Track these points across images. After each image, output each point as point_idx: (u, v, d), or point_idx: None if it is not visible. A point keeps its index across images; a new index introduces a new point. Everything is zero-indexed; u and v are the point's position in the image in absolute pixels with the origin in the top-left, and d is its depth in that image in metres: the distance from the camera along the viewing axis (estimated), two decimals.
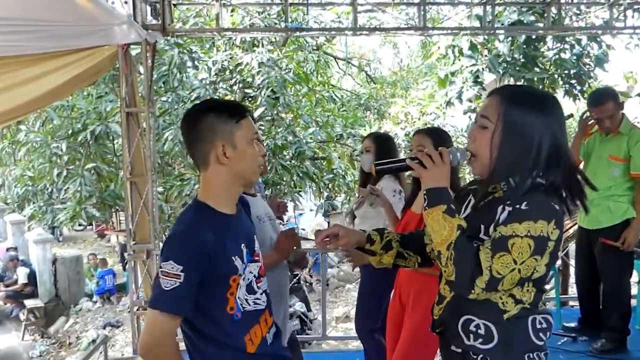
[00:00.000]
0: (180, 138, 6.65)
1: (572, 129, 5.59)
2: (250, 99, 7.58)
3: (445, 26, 5.46)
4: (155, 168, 4.40)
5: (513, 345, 1.40)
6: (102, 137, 7.06)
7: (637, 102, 7.44)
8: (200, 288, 1.46)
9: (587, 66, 6.88)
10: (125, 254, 5.23)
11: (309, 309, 9.12)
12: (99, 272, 11.45)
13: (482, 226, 1.41)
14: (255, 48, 7.38)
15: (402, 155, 2.78)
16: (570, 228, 5.76)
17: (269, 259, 2.05)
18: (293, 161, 7.53)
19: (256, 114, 7.04)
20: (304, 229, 15.43)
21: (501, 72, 6.61)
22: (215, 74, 7.44)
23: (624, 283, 3.53)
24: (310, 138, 7.69)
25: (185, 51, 7.35)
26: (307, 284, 11.09)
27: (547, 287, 4.95)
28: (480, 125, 1.45)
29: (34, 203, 8.05)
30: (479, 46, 6.76)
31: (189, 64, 7.89)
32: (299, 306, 8.61)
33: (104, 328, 9.72)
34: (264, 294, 1.63)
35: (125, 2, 3.96)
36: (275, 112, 7.50)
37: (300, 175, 7.55)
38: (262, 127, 7.51)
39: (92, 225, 16.40)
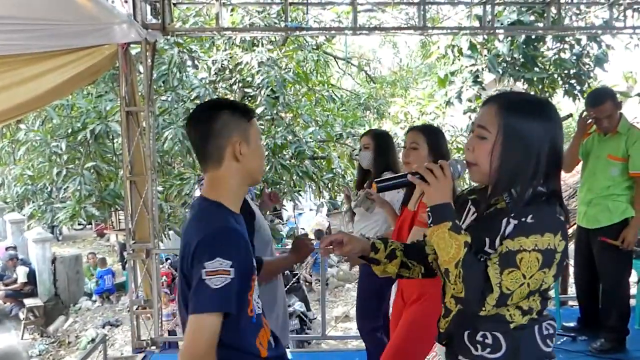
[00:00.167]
0: (180, 137, 6.66)
1: (572, 128, 5.60)
2: (249, 99, 7.58)
3: (445, 26, 5.47)
4: (155, 167, 4.40)
5: (522, 354, 1.39)
6: (102, 136, 7.05)
7: (636, 102, 7.45)
8: None
9: (587, 66, 6.88)
10: (125, 253, 5.24)
11: (308, 309, 9.12)
12: (98, 272, 11.45)
13: (487, 239, 1.39)
14: (255, 47, 7.37)
15: (400, 154, 2.78)
16: (569, 228, 5.77)
17: (286, 261, 2.08)
18: (293, 160, 7.52)
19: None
20: (303, 229, 15.43)
21: (501, 72, 6.62)
22: (215, 74, 7.44)
23: (623, 282, 3.54)
24: (310, 137, 7.68)
25: (185, 50, 7.35)
26: (307, 283, 11.10)
27: None
28: (478, 136, 1.43)
29: (33, 202, 8.04)
30: (478, 46, 6.76)
31: (189, 63, 7.90)
32: (298, 306, 8.62)
33: (103, 327, 9.72)
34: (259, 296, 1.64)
35: (125, 2, 3.97)
36: (274, 111, 7.50)
37: (300, 174, 7.55)
38: (262, 127, 7.50)
39: (91, 224, 16.39)
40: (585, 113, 3.54)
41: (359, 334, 3.40)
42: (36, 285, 10.83)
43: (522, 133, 1.37)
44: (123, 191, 4.99)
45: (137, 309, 4.39)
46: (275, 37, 7.76)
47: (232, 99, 6.30)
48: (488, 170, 1.41)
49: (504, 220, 1.36)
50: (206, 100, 6.52)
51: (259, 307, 1.56)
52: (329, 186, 8.11)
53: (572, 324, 3.84)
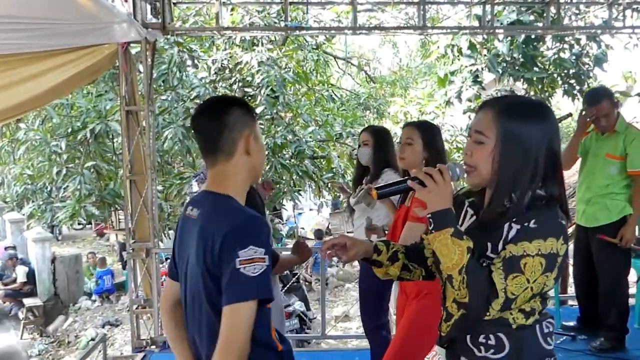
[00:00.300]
0: (180, 137, 6.66)
1: (572, 128, 5.60)
2: (249, 98, 7.57)
3: (445, 25, 5.47)
4: (154, 166, 4.40)
5: (525, 353, 1.40)
6: (102, 136, 7.05)
7: (636, 102, 7.45)
8: None
9: (586, 66, 6.90)
10: (124, 253, 5.23)
11: (308, 308, 9.13)
12: (97, 272, 11.43)
13: (490, 244, 1.39)
14: (254, 47, 7.38)
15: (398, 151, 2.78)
16: (569, 228, 5.78)
17: (291, 261, 2.10)
18: (292, 160, 7.52)
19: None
20: (303, 228, 15.44)
21: (500, 71, 6.63)
22: (215, 73, 7.43)
23: (621, 281, 3.54)
24: (310, 137, 7.68)
25: (184, 50, 7.35)
26: (307, 283, 11.10)
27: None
28: (475, 141, 1.43)
29: (33, 201, 8.05)
30: (478, 46, 6.77)
31: (189, 62, 7.89)
32: (298, 305, 8.63)
33: (103, 327, 9.71)
34: None
35: (125, 1, 3.97)
36: (274, 111, 7.50)
37: (300, 174, 7.55)
38: (262, 126, 7.50)
39: (91, 224, 16.40)
40: (584, 112, 3.56)
41: (358, 334, 3.41)
42: (36, 285, 10.82)
43: (520, 137, 1.37)
44: (123, 190, 4.99)
45: (136, 309, 4.39)
46: (275, 37, 7.76)
47: None
48: (487, 175, 1.41)
49: (506, 225, 1.37)
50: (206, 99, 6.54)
51: None
52: (329, 186, 8.10)
53: (571, 323, 3.84)
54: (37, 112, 7.01)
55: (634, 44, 7.05)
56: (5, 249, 11.71)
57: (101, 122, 6.74)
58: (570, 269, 4.37)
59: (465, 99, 7.00)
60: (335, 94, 9.59)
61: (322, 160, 8.48)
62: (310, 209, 17.37)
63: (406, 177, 1.48)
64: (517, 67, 6.62)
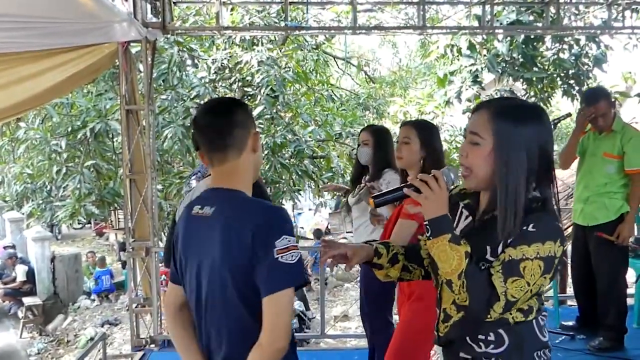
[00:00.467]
0: (179, 136, 6.66)
1: (571, 128, 5.61)
2: (249, 98, 7.58)
3: (444, 25, 5.47)
4: (154, 166, 4.40)
5: (524, 346, 1.43)
6: (102, 135, 7.06)
7: (636, 102, 7.46)
8: None
9: (586, 66, 6.90)
10: (122, 253, 5.24)
11: (307, 308, 9.13)
12: (96, 272, 11.43)
13: (489, 248, 1.41)
14: (254, 47, 7.38)
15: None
16: (567, 228, 5.78)
17: None
18: (292, 160, 7.53)
19: (255, 113, 7.04)
20: (302, 228, 15.45)
21: (500, 71, 6.64)
22: (215, 73, 7.43)
23: (619, 280, 3.55)
24: (310, 137, 7.68)
25: (184, 49, 7.35)
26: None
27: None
28: (471, 142, 1.44)
29: (32, 201, 8.06)
30: (477, 46, 6.77)
31: (189, 62, 7.89)
32: (297, 305, 8.63)
33: (102, 326, 9.71)
34: None
35: (126, 0, 3.97)
36: (274, 110, 7.50)
37: (299, 173, 7.55)
38: (262, 126, 7.51)
39: (90, 223, 16.40)
40: (582, 111, 3.57)
41: (357, 333, 3.40)
42: (35, 284, 10.82)
43: (516, 139, 1.38)
44: (123, 190, 5.00)
45: (136, 307, 4.39)
46: (275, 37, 7.77)
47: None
48: (483, 177, 1.43)
49: None
50: (206, 99, 6.55)
51: None
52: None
53: (570, 323, 3.85)
54: (37, 111, 7.02)
55: (633, 45, 7.06)
56: (5, 248, 11.72)
57: (101, 121, 6.75)
58: (569, 269, 4.38)
59: (464, 99, 7.01)
60: (334, 94, 9.59)
61: (321, 160, 8.49)
62: (310, 209, 17.39)
63: (402, 185, 1.49)
64: (516, 67, 6.63)
